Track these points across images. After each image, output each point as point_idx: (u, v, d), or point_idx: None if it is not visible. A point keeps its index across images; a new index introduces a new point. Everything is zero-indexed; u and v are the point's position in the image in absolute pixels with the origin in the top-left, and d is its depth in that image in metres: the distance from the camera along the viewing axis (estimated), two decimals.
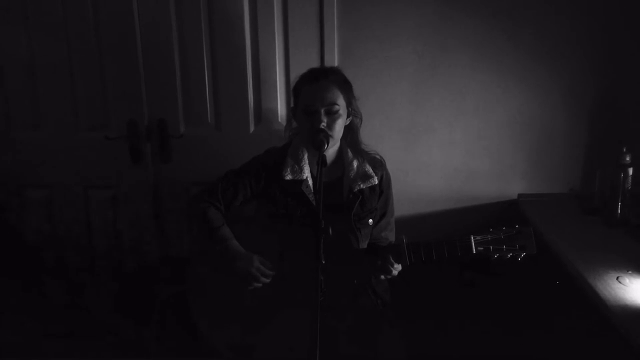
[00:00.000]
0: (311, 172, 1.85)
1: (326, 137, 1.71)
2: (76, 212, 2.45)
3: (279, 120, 2.36)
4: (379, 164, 1.94)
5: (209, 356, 1.80)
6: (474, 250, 1.68)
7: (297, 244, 1.74)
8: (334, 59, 2.27)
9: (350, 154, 1.89)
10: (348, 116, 1.84)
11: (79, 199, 2.44)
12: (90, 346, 2.38)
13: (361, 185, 1.85)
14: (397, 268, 1.73)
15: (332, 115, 1.76)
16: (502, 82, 2.31)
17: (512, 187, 2.42)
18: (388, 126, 2.35)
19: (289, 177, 1.82)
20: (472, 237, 1.68)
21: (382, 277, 1.74)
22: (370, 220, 1.89)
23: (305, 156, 1.85)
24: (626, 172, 2.09)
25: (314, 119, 1.74)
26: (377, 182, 1.89)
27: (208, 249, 1.84)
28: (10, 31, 2.30)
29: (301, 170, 1.83)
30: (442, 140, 2.38)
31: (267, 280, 1.77)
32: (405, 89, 2.32)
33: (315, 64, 2.26)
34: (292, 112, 1.90)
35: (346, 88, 1.82)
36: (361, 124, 1.92)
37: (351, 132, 1.89)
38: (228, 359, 1.78)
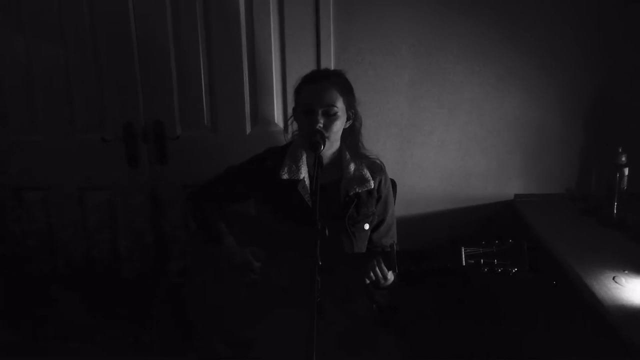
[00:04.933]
0: (309, 172, 1.84)
1: (322, 138, 1.70)
2: (73, 214, 2.45)
3: (276, 121, 2.36)
4: (377, 169, 1.91)
5: (206, 353, 1.80)
6: (463, 262, 1.63)
7: (292, 244, 1.74)
8: (330, 60, 2.27)
9: (348, 157, 1.88)
10: (348, 119, 1.83)
11: (76, 201, 2.44)
12: (87, 347, 2.38)
13: (357, 189, 1.84)
14: (385, 275, 1.69)
15: (330, 116, 1.75)
16: (498, 82, 2.32)
17: (508, 187, 2.43)
18: (384, 127, 2.36)
19: (285, 176, 1.82)
20: (462, 249, 1.63)
21: (368, 281, 1.70)
22: (367, 225, 1.87)
23: (304, 157, 1.85)
24: (622, 172, 2.09)
25: (311, 119, 1.74)
26: (373, 187, 1.86)
27: (204, 244, 1.86)
28: (6, 33, 2.29)
29: (298, 170, 1.83)
30: (438, 141, 2.38)
31: (257, 271, 1.77)
32: (402, 90, 2.33)
33: (311, 65, 2.26)
34: (293, 112, 1.91)
35: (347, 91, 1.82)
36: (361, 127, 1.92)
37: (351, 135, 1.88)
38: (224, 356, 1.77)
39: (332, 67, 2.22)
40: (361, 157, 1.90)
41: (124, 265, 2.50)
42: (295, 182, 1.82)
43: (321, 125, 1.73)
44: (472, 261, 1.62)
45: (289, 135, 1.98)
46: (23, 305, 2.51)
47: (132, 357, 2.33)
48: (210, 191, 1.93)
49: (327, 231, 1.45)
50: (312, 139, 1.69)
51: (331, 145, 1.82)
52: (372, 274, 1.69)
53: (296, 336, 1.33)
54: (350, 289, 1.80)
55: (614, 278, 1.70)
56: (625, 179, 2.09)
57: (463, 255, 1.63)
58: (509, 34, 2.26)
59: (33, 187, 2.44)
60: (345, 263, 1.75)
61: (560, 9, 2.24)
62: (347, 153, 1.88)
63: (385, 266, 1.68)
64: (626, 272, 1.74)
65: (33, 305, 2.50)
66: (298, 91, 1.84)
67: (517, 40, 2.27)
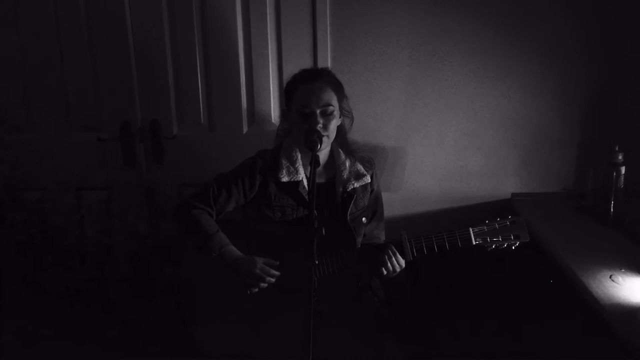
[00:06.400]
0: (305, 173, 1.84)
1: (319, 137, 1.71)
2: (69, 214, 2.44)
3: (272, 120, 2.35)
4: (368, 163, 1.95)
5: (204, 353, 1.79)
6: (473, 241, 1.74)
7: (293, 245, 1.74)
8: (327, 59, 2.27)
9: (342, 154, 1.89)
10: (340, 117, 1.84)
11: (72, 201, 2.43)
12: (87, 347, 2.37)
13: (355, 185, 1.86)
14: (401, 264, 1.74)
15: (328, 116, 1.76)
16: (496, 81, 2.32)
17: (505, 186, 2.43)
18: (381, 125, 2.35)
19: (285, 178, 1.81)
20: (471, 229, 1.74)
21: (385, 273, 1.74)
22: (364, 219, 1.91)
23: (299, 157, 1.84)
24: (618, 171, 2.10)
25: (310, 120, 1.74)
26: (370, 181, 1.90)
27: (202, 254, 1.78)
28: (1, 31, 2.29)
29: (297, 171, 1.82)
30: (435, 139, 2.38)
31: (273, 280, 1.74)
32: (399, 88, 2.33)
33: (308, 63, 2.26)
34: (283, 113, 1.90)
35: (339, 89, 1.82)
36: (352, 124, 1.92)
37: (341, 132, 1.89)
38: (223, 356, 1.77)
39: (329, 67, 2.22)
40: (353, 153, 1.92)
41: (121, 266, 2.49)
42: (295, 183, 1.81)
43: (320, 126, 1.73)
44: (480, 239, 1.74)
45: (280, 134, 1.95)
46: (21, 303, 2.51)
47: (131, 357, 2.33)
48: (203, 200, 1.82)
49: (323, 230, 1.45)
50: (309, 139, 1.69)
51: (327, 144, 1.82)
52: (389, 264, 1.72)
53: (296, 336, 1.34)
54: (361, 284, 1.82)
55: (610, 276, 1.70)
56: (622, 177, 2.10)
57: (472, 235, 1.74)
58: (507, 33, 2.26)
59: (29, 187, 2.43)
60: (359, 258, 1.77)
61: (559, 10, 2.24)
62: (340, 150, 1.89)
63: (399, 255, 1.73)
64: (623, 270, 1.74)
65: (31, 303, 2.49)
66: (290, 92, 1.81)
67: (514, 39, 2.27)
